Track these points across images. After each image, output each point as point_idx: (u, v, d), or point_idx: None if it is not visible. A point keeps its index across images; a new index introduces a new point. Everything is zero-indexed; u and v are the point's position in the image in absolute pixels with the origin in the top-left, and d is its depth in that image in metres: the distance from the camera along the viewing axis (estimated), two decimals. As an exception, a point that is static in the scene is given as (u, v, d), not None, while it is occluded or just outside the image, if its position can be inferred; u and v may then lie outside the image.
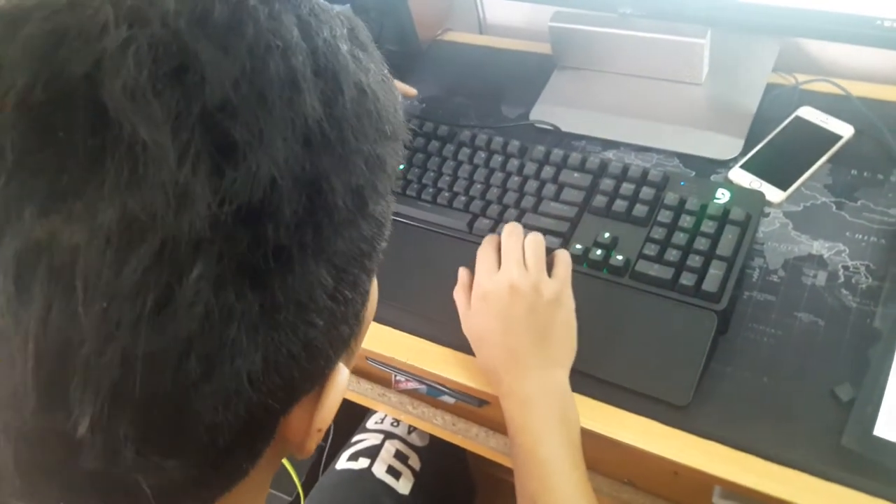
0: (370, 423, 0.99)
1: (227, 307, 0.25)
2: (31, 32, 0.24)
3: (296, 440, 0.34)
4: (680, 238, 0.67)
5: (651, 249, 0.67)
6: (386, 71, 0.35)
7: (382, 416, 1.00)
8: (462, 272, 0.69)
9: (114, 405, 0.24)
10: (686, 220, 0.67)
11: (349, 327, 0.33)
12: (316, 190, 0.28)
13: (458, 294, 0.68)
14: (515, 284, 0.62)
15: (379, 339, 0.72)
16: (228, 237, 0.25)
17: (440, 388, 0.86)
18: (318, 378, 0.33)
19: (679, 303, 0.64)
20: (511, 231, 0.67)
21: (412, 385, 0.90)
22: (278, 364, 0.28)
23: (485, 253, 0.67)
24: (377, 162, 0.31)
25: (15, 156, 0.23)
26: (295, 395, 0.32)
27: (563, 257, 0.66)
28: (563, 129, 0.84)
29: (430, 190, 0.79)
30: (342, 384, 0.34)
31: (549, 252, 0.67)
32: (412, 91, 0.89)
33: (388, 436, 0.95)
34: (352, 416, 1.03)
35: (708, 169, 0.76)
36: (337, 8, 0.33)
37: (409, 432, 0.96)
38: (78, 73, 0.24)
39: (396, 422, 0.98)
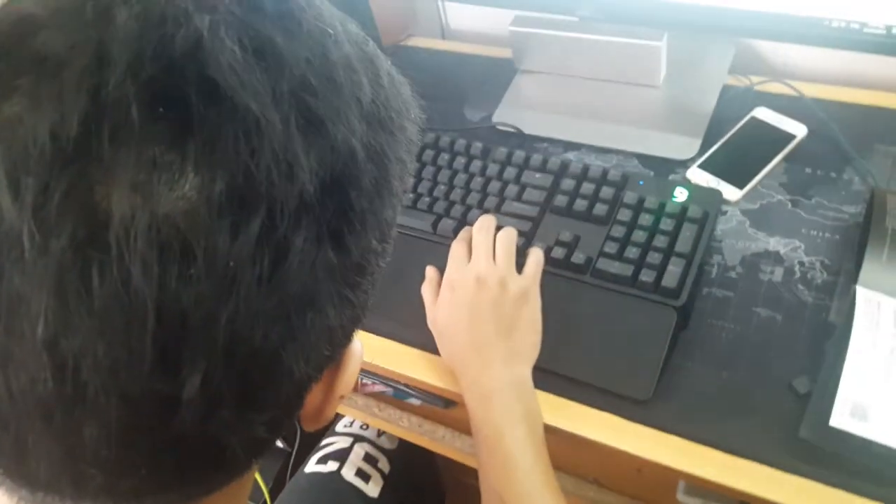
0: (339, 427, 0.98)
1: (326, 267, 0.28)
2: (124, 15, 0.25)
3: (309, 411, 0.35)
4: (639, 236, 0.68)
5: (611, 247, 0.68)
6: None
7: (352, 419, 0.99)
8: (430, 269, 0.69)
9: (224, 364, 0.26)
10: (645, 219, 0.68)
11: (371, 300, 0.34)
12: (382, 162, 0.31)
13: (426, 289, 0.68)
14: (482, 277, 0.63)
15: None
16: (322, 203, 0.27)
17: (406, 390, 0.86)
18: (346, 344, 0.34)
19: (639, 299, 0.65)
20: (482, 226, 0.67)
21: (378, 388, 0.89)
22: (348, 321, 0.31)
23: (456, 246, 0.67)
24: (409, 145, 0.34)
25: (140, 123, 0.24)
26: (339, 349, 0.33)
27: (535, 255, 0.67)
28: (526, 131, 0.85)
29: (394, 192, 0.79)
30: (360, 352, 0.37)
31: (523, 250, 0.68)
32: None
33: (358, 439, 0.94)
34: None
35: (666, 169, 0.77)
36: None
37: (379, 435, 0.96)
38: (182, 51, 0.25)
39: (366, 425, 0.97)
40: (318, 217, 0.27)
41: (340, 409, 0.91)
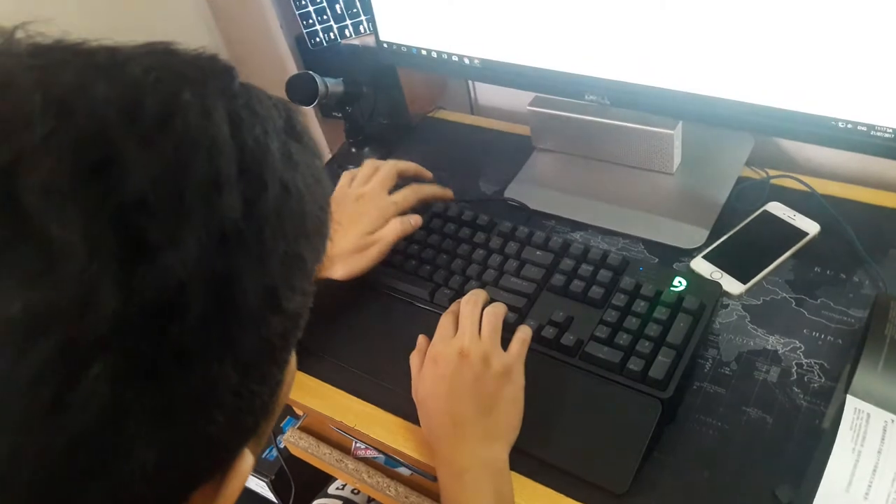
0: (331, 489, 0.97)
1: (124, 405, 0.25)
2: None
3: None
4: (632, 322, 0.66)
5: (603, 332, 0.67)
6: (319, 163, 0.35)
7: (344, 483, 0.98)
8: (421, 338, 0.69)
9: (2, 497, 0.24)
10: (640, 305, 0.67)
11: (255, 418, 0.32)
12: (226, 290, 0.28)
13: (414, 358, 0.68)
14: (466, 351, 0.62)
15: (338, 406, 0.72)
16: (131, 336, 0.25)
17: (397, 458, 0.85)
18: (218, 468, 0.32)
19: (625, 388, 0.63)
20: (471, 299, 0.67)
21: (370, 453, 0.89)
22: (175, 459, 0.28)
23: (445, 319, 0.68)
24: (295, 260, 0.31)
25: None
26: (193, 485, 0.31)
27: (522, 334, 0.66)
28: (535, 207, 0.85)
29: (398, 257, 0.80)
30: (244, 471, 0.33)
31: (514, 327, 0.68)
32: (448, 194, 0.85)
33: (347, 502, 0.93)
34: (314, 481, 1.01)
35: (672, 257, 0.77)
36: (275, 98, 0.34)
37: (368, 501, 0.94)
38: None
39: (357, 490, 0.96)
40: (121, 350, 0.25)
41: (332, 471, 0.90)
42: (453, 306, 0.69)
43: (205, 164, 0.27)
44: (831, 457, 0.52)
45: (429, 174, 0.86)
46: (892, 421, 0.54)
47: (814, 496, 0.50)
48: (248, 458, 0.33)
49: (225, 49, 1.11)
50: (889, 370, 0.56)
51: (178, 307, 0.26)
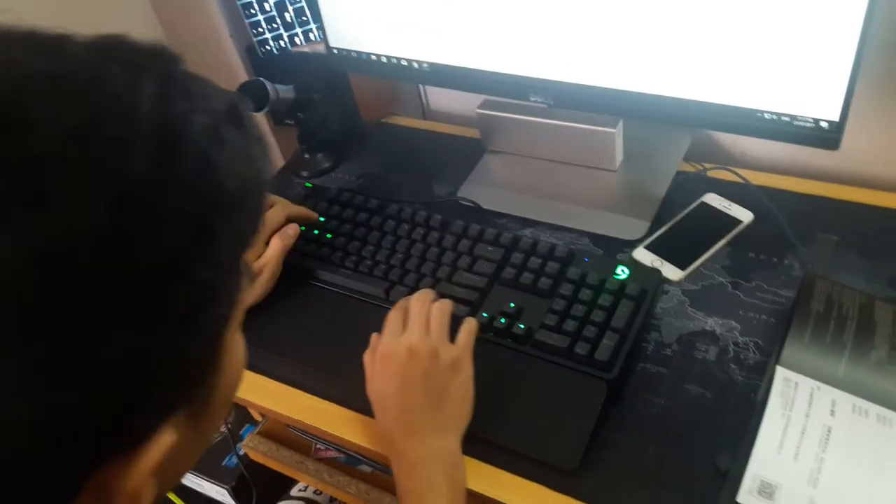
0: (294, 491, 0.98)
1: (6, 347, 0.26)
2: None
3: (121, 496, 0.32)
4: (578, 310, 0.69)
5: (552, 320, 0.69)
6: (258, 149, 0.36)
7: (306, 484, 0.99)
8: (374, 336, 0.70)
9: None
10: (585, 294, 0.70)
11: (173, 393, 0.33)
12: (120, 248, 0.28)
13: (367, 356, 0.69)
14: (414, 347, 0.64)
15: (297, 406, 0.73)
16: (26, 285, 0.26)
17: (357, 456, 0.86)
18: (125, 439, 0.31)
19: (573, 371, 0.66)
20: (419, 297, 0.69)
21: (331, 453, 0.90)
22: (60, 418, 0.28)
23: (392, 316, 0.68)
24: (204, 231, 0.32)
25: None
26: (96, 455, 0.30)
27: (468, 325, 0.68)
28: (487, 207, 0.88)
29: (353, 258, 0.82)
30: (160, 449, 0.32)
31: (459, 320, 0.70)
32: (314, 216, 0.87)
33: (309, 503, 0.94)
34: (277, 484, 1.02)
35: (615, 247, 0.80)
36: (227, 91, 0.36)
37: (331, 501, 0.95)
38: None
39: (320, 490, 0.97)
40: (14, 297, 0.26)
41: (293, 474, 0.91)
42: (401, 303, 0.70)
43: (116, 127, 0.29)
44: (763, 422, 0.55)
45: (315, 215, 0.87)
46: (818, 387, 0.58)
47: (748, 459, 0.53)
48: (166, 438, 0.33)
49: (177, 60, 1.11)
50: (815, 342, 0.60)
51: (70, 260, 0.27)
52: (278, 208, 0.83)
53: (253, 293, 0.76)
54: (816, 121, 0.66)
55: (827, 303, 0.63)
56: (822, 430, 0.55)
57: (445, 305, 0.68)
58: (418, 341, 0.64)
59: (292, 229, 0.82)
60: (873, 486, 0.52)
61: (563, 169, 0.90)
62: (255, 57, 0.99)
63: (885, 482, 0.52)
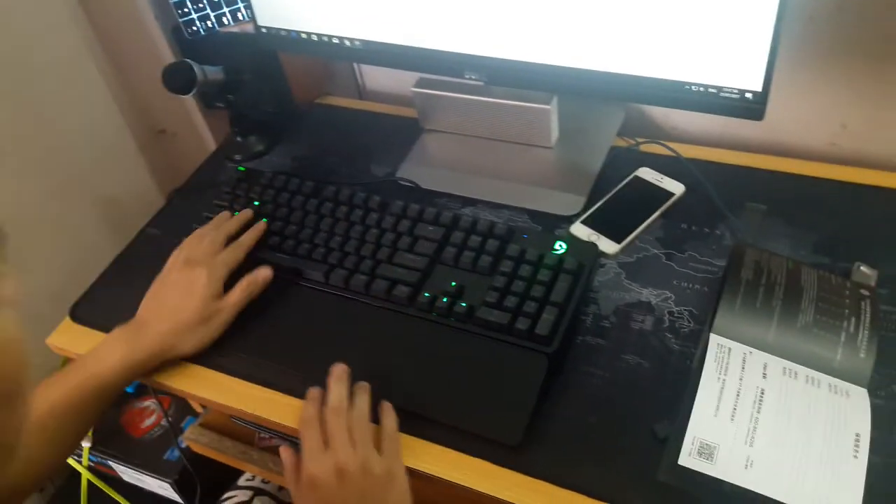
0: (241, 480, 0.97)
1: None
2: None
3: None
4: (518, 286, 0.70)
5: (492, 297, 0.70)
6: None
7: (254, 474, 0.97)
8: (285, 454, 0.65)
9: None
10: (525, 270, 0.71)
11: None
12: None
13: (290, 480, 0.64)
14: (342, 466, 0.59)
15: (237, 395, 0.71)
16: None
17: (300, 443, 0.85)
18: None
19: (515, 346, 0.67)
20: (335, 409, 0.63)
21: (275, 442, 0.89)
22: None
23: (308, 431, 0.63)
24: None
25: None
26: None
27: (390, 432, 0.64)
28: (426, 186, 0.88)
29: (291, 242, 0.80)
30: None
31: (408, 300, 0.69)
32: (262, 227, 0.82)
33: (258, 492, 0.93)
34: (221, 475, 1.00)
35: (553, 223, 0.81)
36: None
37: (280, 489, 0.94)
38: None
39: (267, 479, 0.95)
40: None
41: (237, 464, 0.90)
42: (310, 413, 0.64)
43: None
44: (699, 388, 0.57)
45: (262, 225, 0.82)
46: (750, 352, 0.60)
47: (686, 422, 0.55)
48: None
49: (97, 42, 1.07)
50: (745, 308, 0.62)
51: None
52: (234, 248, 0.78)
53: (201, 337, 0.73)
54: (741, 91, 0.68)
55: (756, 270, 0.65)
56: (755, 393, 0.57)
57: (363, 408, 0.64)
58: (345, 459, 0.59)
59: (262, 276, 0.76)
60: (803, 443, 0.54)
61: (500, 147, 0.91)
62: (182, 38, 0.96)
63: (814, 439, 0.54)
